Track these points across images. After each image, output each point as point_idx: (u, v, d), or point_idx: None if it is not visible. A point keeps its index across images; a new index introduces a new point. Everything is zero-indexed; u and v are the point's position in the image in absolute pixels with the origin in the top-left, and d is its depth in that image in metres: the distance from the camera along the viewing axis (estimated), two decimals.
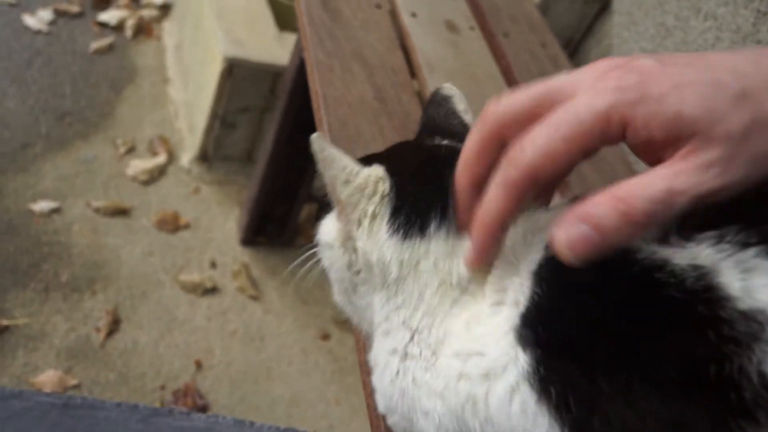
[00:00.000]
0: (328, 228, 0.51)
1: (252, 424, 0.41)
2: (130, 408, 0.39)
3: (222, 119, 1.63)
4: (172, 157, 1.72)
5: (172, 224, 1.57)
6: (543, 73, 1.22)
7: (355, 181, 0.46)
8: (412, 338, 0.45)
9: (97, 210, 1.53)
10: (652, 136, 0.38)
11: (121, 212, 1.55)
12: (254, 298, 1.53)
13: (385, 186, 0.46)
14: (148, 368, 1.34)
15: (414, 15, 1.18)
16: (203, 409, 1.31)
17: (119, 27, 2.03)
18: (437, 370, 0.43)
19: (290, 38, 1.59)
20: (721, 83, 0.38)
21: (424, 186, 0.47)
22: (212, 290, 1.50)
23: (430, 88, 1.05)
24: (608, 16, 1.50)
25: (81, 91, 1.78)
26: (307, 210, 1.65)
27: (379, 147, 0.92)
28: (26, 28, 1.89)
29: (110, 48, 1.95)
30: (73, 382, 1.26)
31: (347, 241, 0.48)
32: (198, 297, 1.48)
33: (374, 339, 0.50)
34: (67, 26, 1.96)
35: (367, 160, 0.49)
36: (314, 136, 0.45)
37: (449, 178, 0.45)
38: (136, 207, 1.58)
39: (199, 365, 1.38)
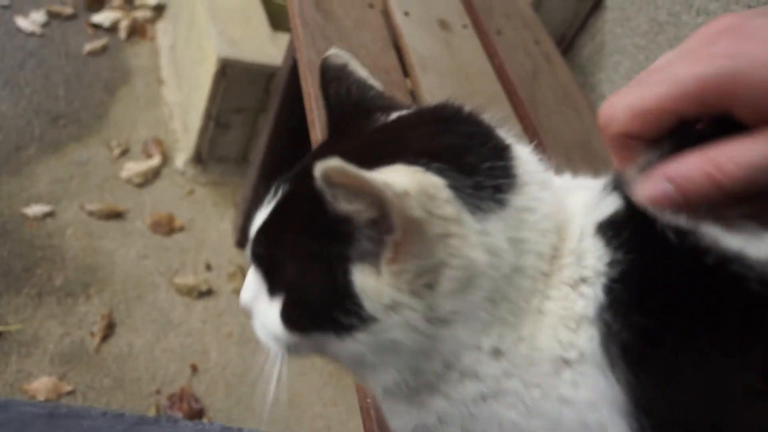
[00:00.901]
0: (372, 289, 0.39)
1: (240, 430, 0.40)
2: (115, 416, 0.38)
3: (216, 120, 1.62)
4: (166, 159, 1.71)
5: (166, 226, 1.56)
6: (536, 70, 1.21)
7: (413, 193, 0.35)
8: (506, 371, 0.40)
9: (91, 213, 1.52)
10: (762, 107, 0.36)
11: (116, 215, 1.54)
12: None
13: (434, 178, 0.37)
14: (143, 373, 1.33)
15: (407, 14, 1.17)
16: (199, 413, 1.30)
17: (113, 28, 2.02)
18: (537, 407, 0.39)
19: (284, 38, 1.58)
20: None
21: (463, 162, 0.40)
22: (208, 293, 1.50)
23: (423, 88, 1.05)
24: (601, 12, 1.49)
25: (75, 93, 1.77)
26: None
27: None
28: (19, 30, 1.88)
29: (104, 49, 1.94)
30: (68, 388, 1.25)
31: (418, 280, 0.38)
32: (193, 300, 1.47)
33: (436, 394, 0.42)
34: (61, 28, 1.95)
35: (366, 161, 0.39)
36: (320, 165, 0.34)
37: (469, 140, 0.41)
38: (131, 209, 1.57)
39: (194, 369, 1.38)
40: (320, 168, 0.33)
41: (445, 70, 1.11)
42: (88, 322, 1.35)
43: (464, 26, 1.23)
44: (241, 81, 1.56)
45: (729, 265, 0.34)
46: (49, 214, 1.49)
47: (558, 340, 0.39)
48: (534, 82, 1.19)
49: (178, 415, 1.21)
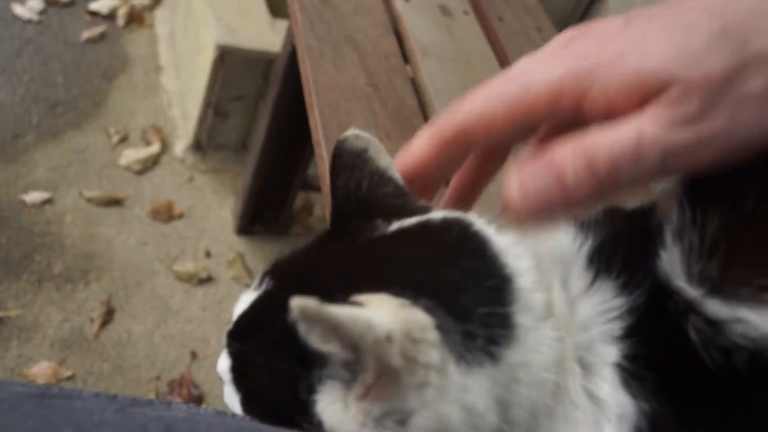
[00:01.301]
0: (335, 417, 0.36)
1: (234, 415, 0.40)
2: (108, 398, 0.38)
3: (215, 108, 1.62)
4: (165, 147, 1.70)
5: (166, 214, 1.56)
6: None
7: (396, 337, 0.32)
8: None
9: (89, 200, 1.52)
10: (612, 102, 0.34)
11: (115, 202, 1.54)
12: (250, 287, 1.52)
13: (422, 317, 0.34)
14: (142, 359, 1.33)
15: None
16: (198, 399, 1.31)
17: (111, 16, 2.01)
18: None
19: (283, 25, 1.57)
20: (694, 25, 0.33)
21: (458, 304, 0.36)
22: (207, 280, 1.49)
23: (423, 73, 1.04)
24: (603, 0, 1.48)
25: (72, 81, 1.77)
26: (302, 198, 1.64)
27: (371, 133, 0.90)
28: (16, 18, 1.87)
29: (102, 37, 1.93)
30: (67, 373, 1.25)
31: (386, 419, 0.35)
32: (193, 287, 1.47)
33: None
34: (58, 15, 1.94)
35: (351, 282, 0.36)
36: (297, 302, 0.31)
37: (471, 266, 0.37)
38: (130, 197, 1.57)
39: (194, 355, 1.38)
40: (296, 305, 0.31)
41: (446, 56, 1.10)
42: (87, 308, 1.35)
43: (465, 12, 1.22)
44: (239, 68, 1.55)
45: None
46: (48, 201, 1.48)
47: None
48: None
49: (178, 400, 1.21)
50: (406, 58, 1.07)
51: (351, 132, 0.44)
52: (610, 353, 0.36)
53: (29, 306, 1.32)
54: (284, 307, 0.33)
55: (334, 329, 0.32)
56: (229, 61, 1.52)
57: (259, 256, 1.58)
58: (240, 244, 1.58)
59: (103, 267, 1.43)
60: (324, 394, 0.36)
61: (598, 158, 0.33)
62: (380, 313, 0.32)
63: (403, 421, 0.34)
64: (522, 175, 0.35)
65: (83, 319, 1.34)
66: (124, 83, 1.83)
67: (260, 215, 1.58)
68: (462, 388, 0.34)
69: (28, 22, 1.87)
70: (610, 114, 0.34)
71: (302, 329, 0.32)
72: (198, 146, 1.69)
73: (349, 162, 0.43)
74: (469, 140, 0.39)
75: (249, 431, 0.36)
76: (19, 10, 1.88)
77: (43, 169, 1.54)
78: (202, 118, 1.63)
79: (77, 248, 1.44)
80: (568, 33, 0.38)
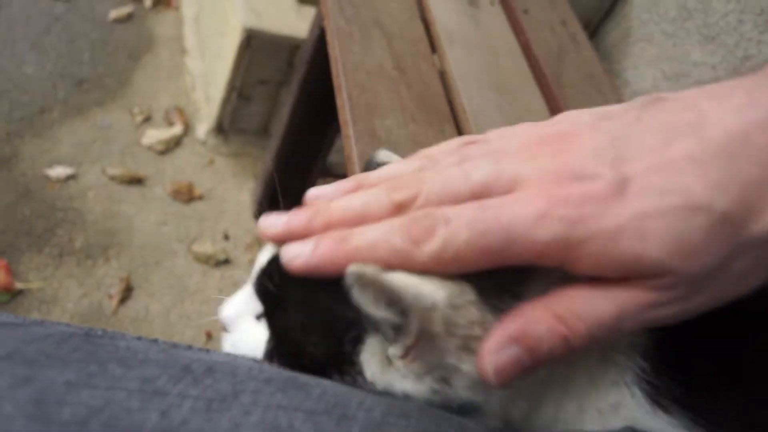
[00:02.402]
0: (377, 369, 0.38)
1: (269, 365, 0.41)
2: (150, 341, 0.39)
3: (239, 91, 1.63)
4: (187, 128, 1.72)
5: (186, 194, 1.58)
6: (562, 50, 1.21)
7: (440, 306, 0.35)
8: None
9: (112, 177, 1.53)
10: (600, 273, 0.34)
11: (136, 181, 1.56)
12: None
13: (467, 285, 0.36)
14: (159, 336, 1.34)
15: None
16: None
17: None
18: None
19: (309, 11, 1.58)
20: (697, 207, 0.32)
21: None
22: (225, 262, 1.51)
23: (449, 60, 1.05)
24: None
25: (99, 59, 1.79)
26: (321, 184, 1.65)
27: (398, 116, 0.91)
28: None
29: (129, 17, 1.95)
30: None
31: (430, 374, 0.37)
32: (210, 268, 1.48)
33: None
34: None
35: None
36: (355, 268, 0.33)
37: None
38: (151, 176, 1.58)
39: (209, 336, 1.39)
40: (354, 271, 0.33)
41: (472, 44, 1.11)
42: (106, 284, 1.37)
43: (491, 3, 1.23)
44: (265, 52, 1.56)
45: None
46: (72, 177, 1.50)
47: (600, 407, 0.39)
48: (560, 62, 1.18)
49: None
50: (432, 45, 1.08)
51: (381, 151, 0.50)
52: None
53: (50, 279, 1.34)
54: None
55: (387, 297, 0.34)
56: (255, 45, 1.53)
57: None
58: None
59: (123, 244, 1.45)
60: (368, 345, 0.38)
61: (576, 334, 0.33)
62: (426, 281, 0.35)
63: (445, 379, 0.37)
64: (493, 349, 0.34)
65: (102, 295, 1.36)
66: (150, 64, 1.85)
67: (279, 200, 1.59)
68: None
69: (57, 0, 1.90)
70: (593, 278, 0.34)
71: (355, 293, 0.34)
72: (220, 129, 1.70)
73: None
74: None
75: (287, 378, 0.37)
76: None
77: (67, 144, 1.55)
78: (226, 101, 1.64)
79: (98, 224, 1.45)
80: (550, 165, 0.35)
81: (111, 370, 0.34)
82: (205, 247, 1.50)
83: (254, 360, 0.41)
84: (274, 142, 1.51)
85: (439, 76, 1.01)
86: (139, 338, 0.39)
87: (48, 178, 1.48)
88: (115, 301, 1.36)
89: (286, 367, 0.39)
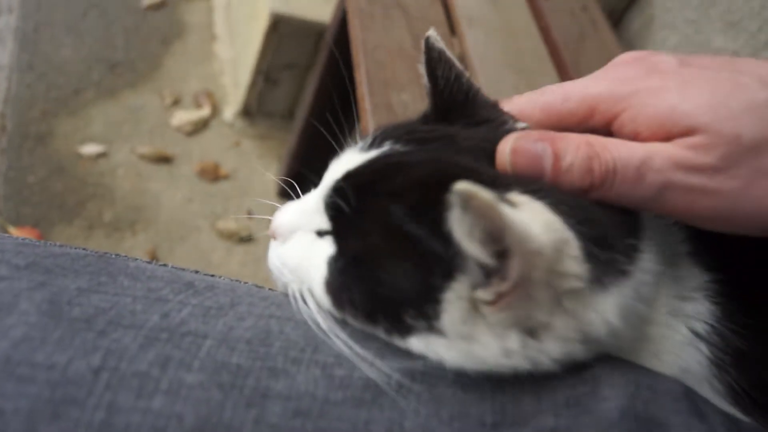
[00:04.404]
0: (461, 314, 0.35)
1: (270, 289, 0.44)
2: (160, 264, 0.42)
3: (266, 75, 1.67)
4: (215, 111, 1.77)
5: (212, 174, 1.62)
6: (582, 35, 1.22)
7: (546, 250, 0.32)
8: None
9: (141, 156, 1.58)
10: (638, 130, 0.35)
11: (165, 160, 1.61)
12: None
13: (570, 235, 0.33)
14: None
15: None
16: None
17: None
18: None
19: None
20: (743, 87, 0.34)
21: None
22: (248, 239, 1.55)
23: (468, 43, 1.07)
24: None
25: (132, 44, 1.84)
26: None
27: (413, 92, 0.94)
28: None
29: (162, 4, 2.00)
30: None
31: (515, 326, 0.35)
32: (234, 244, 1.52)
33: None
34: None
35: (495, 179, 0.35)
36: (464, 186, 0.29)
37: None
38: (179, 156, 1.63)
39: None
40: (463, 189, 0.29)
41: (491, 27, 1.12)
42: (133, 256, 1.41)
43: None
44: (292, 37, 1.59)
45: None
46: (103, 155, 1.55)
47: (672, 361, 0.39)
48: (579, 46, 1.20)
49: None
50: (452, 27, 1.11)
51: (431, 32, 0.46)
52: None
53: None
54: (427, 176, 0.35)
55: (494, 228, 0.31)
56: (282, 29, 1.56)
57: None
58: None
59: (150, 219, 1.49)
60: (458, 286, 0.34)
61: (600, 159, 0.34)
62: (535, 223, 0.31)
63: (533, 332, 0.35)
64: (525, 135, 0.36)
65: None
66: (180, 49, 1.90)
67: (303, 181, 1.62)
68: (598, 300, 0.35)
69: None
70: (635, 141, 0.35)
71: (455, 215, 0.31)
72: (247, 112, 1.74)
73: (440, 57, 0.44)
74: None
75: (285, 298, 0.40)
76: None
77: (99, 124, 1.61)
78: (253, 85, 1.68)
79: (127, 200, 1.50)
80: (626, 56, 0.39)
81: (120, 281, 0.37)
82: (229, 225, 1.54)
83: (256, 286, 0.43)
84: (298, 122, 1.54)
85: (458, 58, 1.03)
86: (148, 261, 0.42)
87: (80, 155, 1.53)
88: None
89: (357, 292, 0.37)
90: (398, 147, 0.39)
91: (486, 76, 1.01)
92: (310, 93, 1.47)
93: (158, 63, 1.83)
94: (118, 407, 0.31)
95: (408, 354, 0.36)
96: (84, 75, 1.71)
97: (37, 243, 0.40)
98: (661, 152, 0.34)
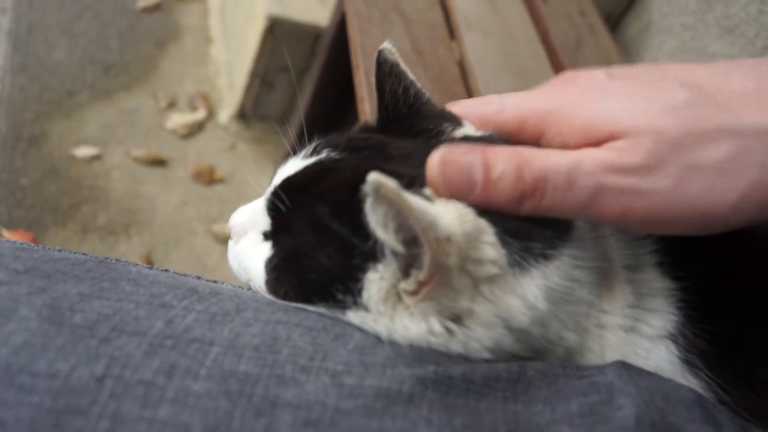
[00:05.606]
0: (380, 302, 0.38)
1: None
2: (161, 270, 0.41)
3: (262, 78, 1.66)
4: (211, 114, 1.76)
5: (207, 177, 1.61)
6: (580, 40, 1.22)
7: (455, 238, 0.34)
8: None
9: (136, 159, 1.57)
10: (566, 142, 0.36)
11: (159, 162, 1.59)
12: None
13: (488, 226, 0.36)
14: None
15: None
16: None
17: None
18: None
19: (332, 0, 1.61)
20: (662, 90, 0.35)
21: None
22: None
23: (467, 46, 1.06)
24: None
25: (127, 46, 1.83)
26: None
27: None
28: None
29: (157, 7, 1.99)
30: None
31: (439, 314, 0.37)
32: None
33: None
34: None
35: (415, 180, 0.37)
36: (375, 177, 0.32)
37: None
38: (174, 159, 1.62)
39: None
40: (374, 179, 0.32)
41: (490, 31, 1.12)
42: (127, 260, 1.40)
43: None
44: (288, 40, 1.59)
45: None
46: (97, 157, 1.54)
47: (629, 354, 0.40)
48: (577, 51, 1.20)
49: None
50: (451, 31, 1.10)
51: (386, 45, 0.47)
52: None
53: None
54: (350, 178, 0.37)
55: (401, 216, 0.33)
56: (278, 32, 1.56)
57: None
58: None
59: (145, 222, 1.48)
60: (379, 269, 0.37)
61: (531, 167, 0.34)
62: (446, 214, 0.34)
63: (458, 319, 0.37)
64: (455, 147, 0.36)
65: None
66: (175, 52, 1.89)
67: None
68: (519, 284, 0.36)
69: None
70: (563, 145, 0.36)
71: (369, 205, 0.33)
72: (242, 115, 1.73)
73: (391, 70, 0.47)
74: None
75: (289, 304, 0.39)
76: None
77: (94, 126, 1.60)
78: (249, 88, 1.67)
79: (121, 203, 1.49)
80: (560, 76, 0.41)
81: (122, 286, 0.36)
82: (224, 228, 1.53)
83: (250, 291, 0.43)
84: (294, 124, 1.54)
85: (457, 62, 1.03)
86: (150, 267, 0.41)
87: (74, 158, 1.52)
88: None
89: (288, 284, 0.40)
90: (333, 155, 0.43)
91: (484, 80, 1.01)
92: (307, 94, 1.46)
93: (153, 65, 1.82)
94: (123, 417, 0.30)
95: (419, 361, 0.35)
96: (78, 77, 1.69)
97: (36, 247, 0.39)
98: (590, 156, 0.34)
